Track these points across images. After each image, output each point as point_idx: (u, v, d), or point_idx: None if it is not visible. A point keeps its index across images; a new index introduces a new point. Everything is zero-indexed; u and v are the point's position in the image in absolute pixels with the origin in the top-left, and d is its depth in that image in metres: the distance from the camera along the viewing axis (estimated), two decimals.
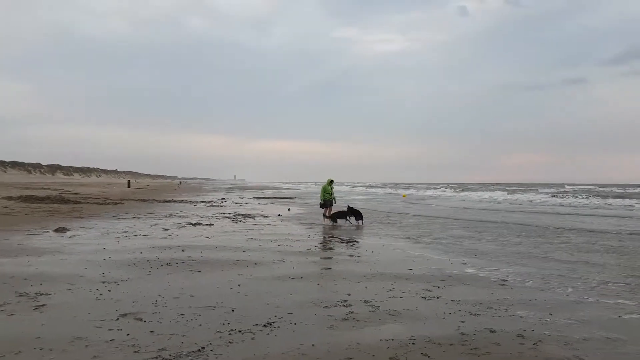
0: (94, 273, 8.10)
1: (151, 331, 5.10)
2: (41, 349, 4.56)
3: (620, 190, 59.00)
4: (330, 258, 10.33)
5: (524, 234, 15.55)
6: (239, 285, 7.45)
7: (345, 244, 12.46)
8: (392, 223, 19.62)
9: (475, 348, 4.71)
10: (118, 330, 5.13)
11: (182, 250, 10.78)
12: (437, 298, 6.82)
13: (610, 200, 41.18)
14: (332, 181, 20.21)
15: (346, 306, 6.26)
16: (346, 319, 5.68)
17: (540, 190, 64.94)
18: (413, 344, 4.80)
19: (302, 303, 6.40)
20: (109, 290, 6.93)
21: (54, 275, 7.89)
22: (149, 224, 16.60)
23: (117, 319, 5.53)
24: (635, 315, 6.08)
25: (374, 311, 6.04)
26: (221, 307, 6.14)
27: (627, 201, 38.80)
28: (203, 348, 4.62)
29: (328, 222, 18.81)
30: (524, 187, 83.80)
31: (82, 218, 18.26)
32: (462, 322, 5.63)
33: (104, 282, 7.42)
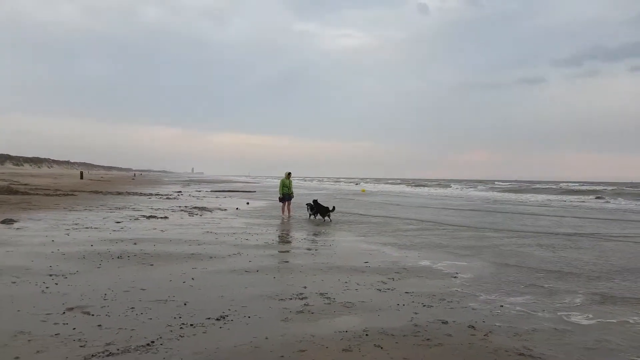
0: (41, 266, 7.78)
1: (99, 325, 4.93)
2: None
3: (543, 187, 61.85)
4: (287, 251, 10.30)
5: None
6: (192, 278, 7.32)
7: (303, 239, 12.45)
8: (352, 219, 19.76)
9: (427, 339, 4.80)
10: (64, 324, 4.94)
11: (135, 244, 10.50)
12: (392, 290, 6.91)
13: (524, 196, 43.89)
14: (289, 174, 20.03)
15: (301, 299, 6.26)
16: (301, 312, 5.68)
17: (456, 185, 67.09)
18: (366, 335, 4.85)
19: (257, 296, 6.35)
20: (56, 284, 6.66)
21: None
22: (101, 217, 16.09)
23: (64, 312, 5.33)
24: (578, 300, 6.35)
25: (329, 303, 6.06)
26: (173, 300, 6.01)
27: (533, 197, 41.45)
28: (152, 342, 4.51)
29: (286, 215, 18.75)
30: (467, 183, 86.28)
31: (31, 209, 17.49)
32: (416, 313, 5.73)
33: (51, 275, 7.14)
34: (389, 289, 6.99)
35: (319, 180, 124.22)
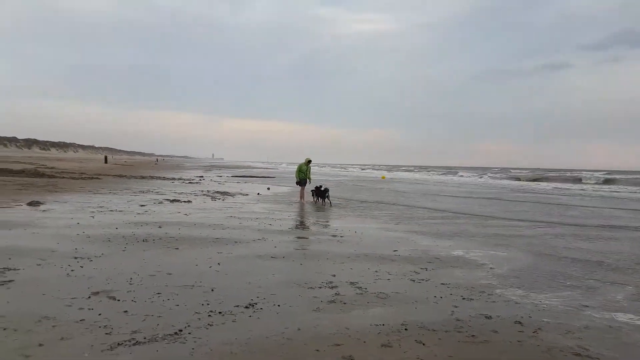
0: (66, 248, 7.67)
1: (125, 311, 4.75)
2: (5, 329, 4.19)
3: (568, 176, 60.21)
4: (312, 238, 10.04)
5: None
6: (218, 263, 7.12)
7: (327, 224, 12.18)
8: (375, 203, 19.42)
9: (472, 335, 4.49)
10: (89, 309, 4.77)
11: (159, 227, 10.37)
12: (427, 281, 6.60)
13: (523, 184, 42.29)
14: (309, 161, 20.06)
15: (332, 287, 6.00)
16: (332, 302, 5.41)
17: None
18: (405, 329, 4.56)
19: (285, 283, 6.11)
20: (82, 267, 6.53)
21: (23, 250, 7.44)
22: (125, 200, 16.07)
23: (89, 297, 5.16)
24: (628, 295, 5.95)
25: (361, 294, 5.78)
26: (200, 286, 5.81)
27: (557, 185, 40.01)
28: (180, 330, 4.30)
29: (304, 200, 18.82)
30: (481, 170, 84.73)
31: (57, 192, 17.60)
32: (455, 307, 5.42)
33: (76, 258, 7.01)
34: (423, 279, 6.68)
35: (340, 167, 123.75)
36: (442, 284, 6.46)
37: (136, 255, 7.46)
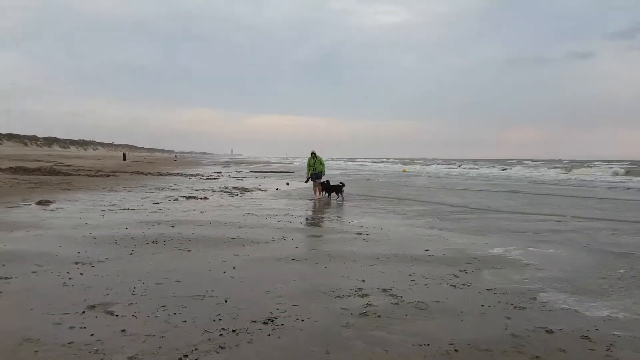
0: (68, 252, 7.05)
1: (122, 330, 4.05)
2: None
3: (598, 166, 58.15)
4: (336, 236, 9.27)
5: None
6: (233, 268, 6.40)
7: (350, 222, 11.39)
8: (398, 199, 18.56)
9: (537, 357, 3.68)
10: (81, 328, 4.09)
11: (172, 226, 9.73)
12: (468, 286, 5.78)
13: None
14: (313, 153, 18.37)
15: (362, 296, 5.23)
16: (364, 314, 4.64)
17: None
18: (456, 351, 3.77)
19: (309, 292, 5.36)
20: (81, 274, 5.87)
21: (22, 254, 6.85)
22: (139, 197, 15.52)
23: (83, 312, 4.48)
24: None
25: (396, 303, 5.00)
26: (212, 296, 5.10)
27: (585, 176, 38.38)
28: (186, 356, 3.58)
29: (318, 196, 17.59)
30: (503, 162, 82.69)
31: (69, 190, 17.15)
32: (508, 318, 4.61)
33: (77, 264, 6.37)
34: (464, 284, 5.86)
35: (360, 161, 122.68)
36: (487, 289, 5.64)
37: (144, 259, 6.79)
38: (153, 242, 7.97)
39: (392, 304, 4.97)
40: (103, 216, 10.87)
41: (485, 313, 4.76)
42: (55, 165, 34.16)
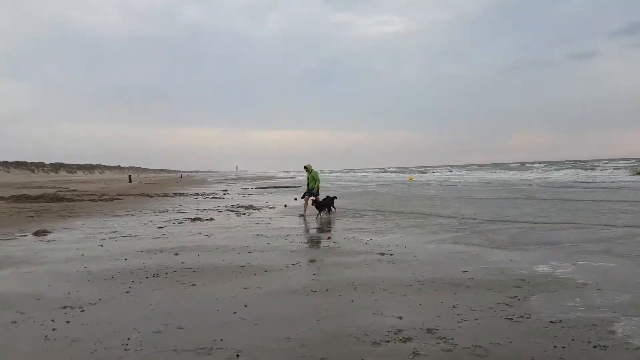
0: (57, 293, 6.17)
1: None
2: None
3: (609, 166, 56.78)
4: (357, 258, 8.33)
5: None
6: (245, 306, 5.49)
7: (369, 240, 10.45)
8: (412, 213, 17.60)
9: None
10: None
11: (176, 254, 8.85)
12: (527, 318, 4.84)
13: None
14: (307, 168, 17.26)
15: (404, 340, 4.29)
16: None
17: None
18: None
19: (338, 336, 4.43)
20: (67, 322, 4.98)
21: (4, 298, 5.98)
22: (142, 222, 14.68)
23: None
24: None
25: (449, 350, 4.06)
26: (221, 348, 4.19)
27: (596, 178, 37.11)
28: None
29: (308, 213, 16.13)
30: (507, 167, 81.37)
31: (70, 217, 16.35)
32: None
33: (64, 308, 5.48)
34: (522, 316, 4.91)
35: (364, 172, 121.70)
36: (551, 322, 4.69)
37: (142, 298, 5.90)
38: (154, 276, 7.08)
39: (443, 350, 4.03)
40: (102, 246, 10.01)
41: (564, 358, 3.81)
42: (59, 191, 33.51)
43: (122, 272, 7.36)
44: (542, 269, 7.11)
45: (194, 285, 6.53)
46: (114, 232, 12.25)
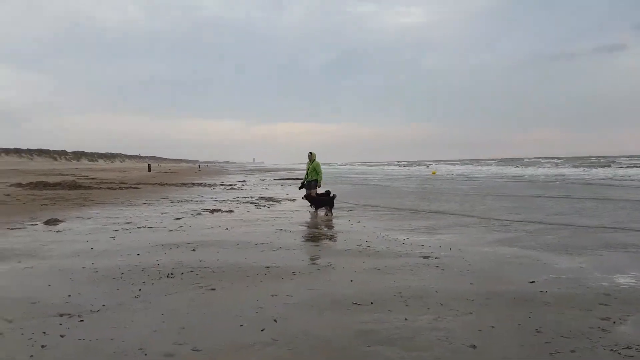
0: (56, 296, 5.29)
1: None
2: None
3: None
4: (398, 261, 7.29)
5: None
6: (275, 321, 4.53)
7: (405, 238, 9.39)
8: (444, 213, 16.46)
9: None
10: None
11: (193, 250, 7.96)
12: (638, 350, 3.77)
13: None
14: (310, 155, 15.26)
15: None
16: None
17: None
18: None
19: None
20: (61, 337, 4.08)
21: None
22: (159, 212, 13.86)
23: None
24: None
25: None
26: None
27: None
28: None
29: (313, 212, 14.18)
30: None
31: (85, 206, 15.62)
32: None
33: (61, 316, 4.59)
34: (628, 347, 3.84)
35: (383, 165, 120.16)
36: None
37: (153, 306, 4.97)
38: (168, 276, 6.17)
39: None
40: (114, 238, 9.17)
41: None
42: (78, 178, 33.12)
43: (132, 271, 6.47)
44: (624, 280, 6.00)
45: (213, 290, 5.59)
46: (129, 222, 11.43)
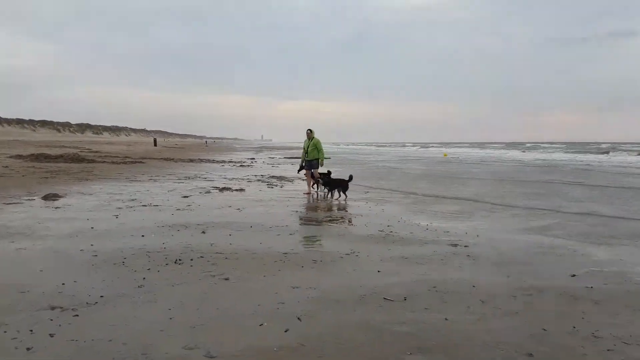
0: (49, 283, 4.73)
1: None
2: None
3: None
4: (425, 249, 6.66)
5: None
6: (299, 319, 3.95)
7: (428, 224, 8.76)
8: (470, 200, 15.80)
9: None
10: None
11: (203, 232, 7.38)
12: None
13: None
14: (309, 132, 13.62)
15: None
16: None
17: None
18: None
19: None
20: (51, 335, 3.52)
21: None
22: (165, 189, 13.28)
23: None
24: None
25: None
26: None
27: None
28: None
29: (311, 192, 13.43)
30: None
31: (87, 180, 15.07)
32: None
33: (53, 310, 4.03)
34: None
35: (393, 145, 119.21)
36: None
37: (158, 298, 4.39)
38: (175, 262, 5.59)
39: None
40: (117, 217, 8.60)
41: None
42: (81, 151, 32.59)
43: (136, 255, 5.90)
44: None
45: (226, 280, 5.01)
46: (133, 199, 10.86)
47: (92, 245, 6.35)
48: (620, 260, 6.23)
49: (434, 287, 4.90)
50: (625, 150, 53.51)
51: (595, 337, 3.72)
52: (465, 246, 6.85)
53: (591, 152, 54.43)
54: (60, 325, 3.72)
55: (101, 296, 4.38)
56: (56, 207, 9.47)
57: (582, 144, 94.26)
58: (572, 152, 56.67)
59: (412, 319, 4.01)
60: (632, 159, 40.41)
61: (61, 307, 4.07)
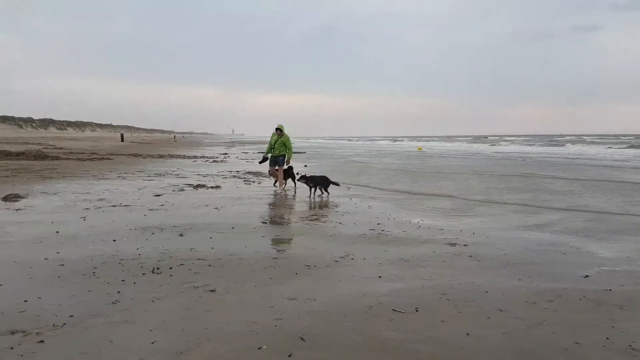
0: (8, 301, 4.09)
1: None
2: None
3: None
4: (424, 249, 6.23)
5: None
6: (302, 339, 3.44)
7: (421, 222, 8.36)
8: (453, 197, 15.53)
9: None
10: None
11: (180, 235, 6.79)
12: None
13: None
14: (278, 129, 12.97)
15: None
16: None
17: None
18: None
19: None
20: None
21: None
22: (136, 187, 12.52)
23: None
24: None
25: None
26: None
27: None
28: None
29: (281, 187, 12.75)
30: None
31: (52, 178, 14.13)
32: None
33: (13, 334, 3.43)
34: None
35: (367, 140, 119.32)
36: None
37: (136, 317, 3.81)
38: (153, 272, 5.00)
39: None
40: (84, 219, 7.89)
41: None
42: (45, 147, 31.12)
43: (108, 263, 5.27)
44: None
45: (212, 291, 4.45)
46: (101, 199, 10.11)
47: (58, 252, 5.68)
48: (628, 258, 5.95)
49: (444, 293, 4.47)
50: (582, 142, 55.12)
51: (632, 348, 3.35)
52: (465, 245, 6.47)
53: (555, 145, 55.63)
54: (22, 355, 3.11)
55: (70, 316, 3.77)
56: (17, 209, 8.67)
57: (542, 136, 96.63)
58: (541, 145, 57.77)
59: (431, 336, 3.55)
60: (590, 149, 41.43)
61: (23, 332, 3.45)
